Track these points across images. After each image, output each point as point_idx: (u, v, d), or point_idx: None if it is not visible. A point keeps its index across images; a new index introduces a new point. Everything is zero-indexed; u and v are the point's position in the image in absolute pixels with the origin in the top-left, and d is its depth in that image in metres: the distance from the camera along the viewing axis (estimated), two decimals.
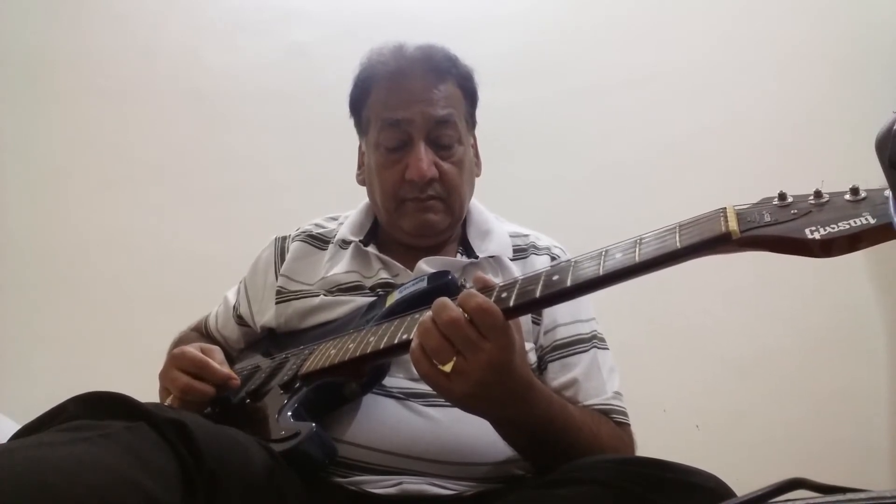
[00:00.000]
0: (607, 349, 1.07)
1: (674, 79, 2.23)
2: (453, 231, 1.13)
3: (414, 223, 1.07)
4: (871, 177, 0.57)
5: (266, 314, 1.12)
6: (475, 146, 1.18)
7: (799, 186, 0.63)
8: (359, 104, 1.12)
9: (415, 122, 1.04)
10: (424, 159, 1.03)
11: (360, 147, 1.18)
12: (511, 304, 0.73)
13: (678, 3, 2.29)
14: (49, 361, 2.01)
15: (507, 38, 2.25)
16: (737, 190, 0.75)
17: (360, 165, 1.18)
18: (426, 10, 2.25)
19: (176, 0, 2.28)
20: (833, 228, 0.56)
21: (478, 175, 1.17)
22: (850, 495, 0.48)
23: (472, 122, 1.15)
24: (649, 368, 1.95)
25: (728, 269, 1.97)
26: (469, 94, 1.12)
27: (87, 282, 2.08)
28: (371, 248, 1.10)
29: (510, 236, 1.13)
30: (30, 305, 2.07)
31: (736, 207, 0.64)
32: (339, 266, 1.09)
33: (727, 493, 0.70)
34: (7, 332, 2.05)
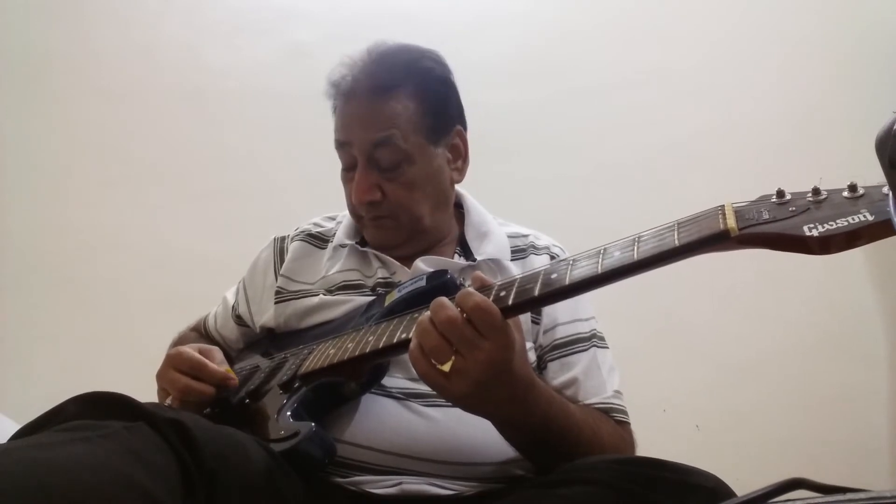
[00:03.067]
0: (607, 348, 1.07)
1: (674, 79, 2.23)
2: (423, 240, 1.09)
3: (372, 239, 1.09)
4: (872, 177, 0.57)
5: (265, 314, 1.12)
6: (461, 146, 1.12)
7: (799, 186, 0.63)
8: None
9: (354, 145, 1.04)
10: (362, 183, 1.03)
11: None
12: (509, 302, 0.73)
13: (678, 2, 2.29)
14: (49, 361, 2.01)
15: (507, 38, 2.25)
16: (737, 190, 0.75)
17: None
18: (426, 10, 2.25)
19: (176, 0, 2.28)
20: (831, 226, 0.56)
21: (458, 181, 1.12)
22: (850, 495, 0.48)
23: (436, 132, 1.06)
24: (649, 369, 1.95)
25: (728, 270, 1.97)
26: (430, 100, 1.05)
27: (87, 282, 2.08)
28: (369, 248, 1.10)
29: (509, 237, 1.13)
30: (30, 305, 2.07)
31: (734, 205, 0.64)
32: (339, 265, 1.09)
33: (727, 493, 0.70)
34: (7, 332, 2.05)
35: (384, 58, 1.06)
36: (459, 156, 1.12)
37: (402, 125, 1.03)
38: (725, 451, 1.92)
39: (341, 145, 1.06)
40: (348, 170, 1.07)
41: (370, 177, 1.03)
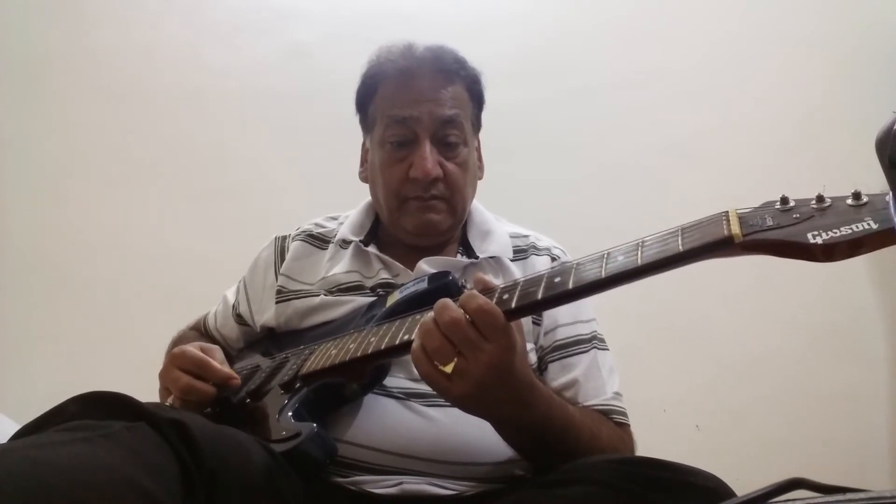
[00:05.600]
0: (607, 350, 1.07)
1: (674, 79, 2.23)
2: (455, 232, 1.13)
3: (416, 222, 1.06)
4: (872, 177, 0.58)
5: (266, 314, 1.12)
6: (478, 149, 1.18)
7: (799, 186, 0.63)
8: (365, 101, 1.12)
9: (422, 121, 1.04)
10: (429, 158, 1.03)
11: (363, 144, 1.18)
12: (513, 305, 0.73)
13: (678, 2, 2.29)
14: (49, 361, 2.01)
15: (508, 38, 2.25)
16: (737, 190, 0.76)
17: (363, 162, 1.17)
18: (427, 10, 2.25)
19: (176, 0, 2.28)
20: (835, 233, 0.56)
21: (480, 178, 1.18)
22: (850, 495, 0.48)
23: (477, 125, 1.15)
24: (649, 369, 1.95)
25: (729, 271, 1.95)
26: (476, 97, 1.13)
27: (87, 282, 2.08)
28: (371, 248, 1.10)
29: (510, 237, 1.13)
30: (30, 305, 2.07)
31: (738, 211, 0.64)
32: (340, 266, 1.09)
33: (727, 493, 0.70)
34: (7, 332, 2.05)
35: (436, 51, 1.09)
36: (479, 157, 1.18)
37: (464, 108, 1.08)
38: (725, 451, 1.91)
39: (404, 121, 1.05)
40: (400, 148, 1.06)
41: (434, 153, 1.04)
